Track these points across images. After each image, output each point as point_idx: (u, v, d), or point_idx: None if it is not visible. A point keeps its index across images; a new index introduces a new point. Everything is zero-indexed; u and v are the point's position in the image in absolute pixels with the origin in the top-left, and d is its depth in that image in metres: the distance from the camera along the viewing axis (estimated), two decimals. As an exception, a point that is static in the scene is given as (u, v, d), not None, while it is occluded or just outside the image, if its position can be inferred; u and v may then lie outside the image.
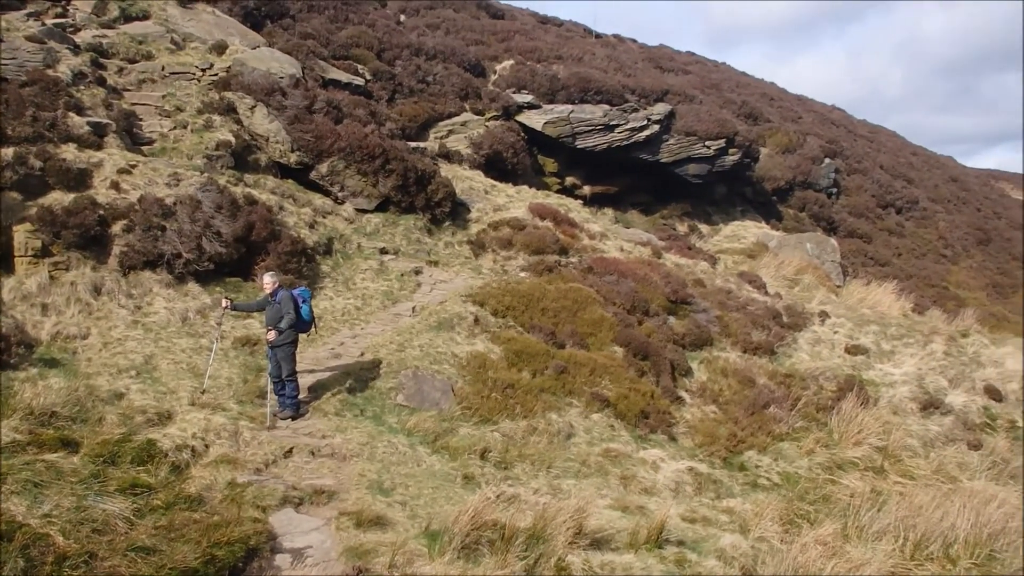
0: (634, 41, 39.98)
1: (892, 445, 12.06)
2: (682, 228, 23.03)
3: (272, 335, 9.18)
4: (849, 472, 11.25)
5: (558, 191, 21.84)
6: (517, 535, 7.01)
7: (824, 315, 16.28)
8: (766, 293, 16.80)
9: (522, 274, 13.35)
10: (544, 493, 8.55)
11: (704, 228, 23.66)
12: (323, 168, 15.25)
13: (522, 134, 22.18)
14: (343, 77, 19.46)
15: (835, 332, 15.56)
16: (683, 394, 12.02)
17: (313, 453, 8.45)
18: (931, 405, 13.43)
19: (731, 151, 24.93)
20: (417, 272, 13.83)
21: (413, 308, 12.40)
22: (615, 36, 39.48)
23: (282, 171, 15.30)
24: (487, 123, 21.04)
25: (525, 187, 19.07)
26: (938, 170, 40.42)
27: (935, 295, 21.94)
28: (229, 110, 15.54)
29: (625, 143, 23.42)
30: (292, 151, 15.22)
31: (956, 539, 9.74)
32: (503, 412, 9.76)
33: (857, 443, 11.87)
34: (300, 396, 9.50)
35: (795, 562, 8.38)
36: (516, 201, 16.77)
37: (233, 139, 14.76)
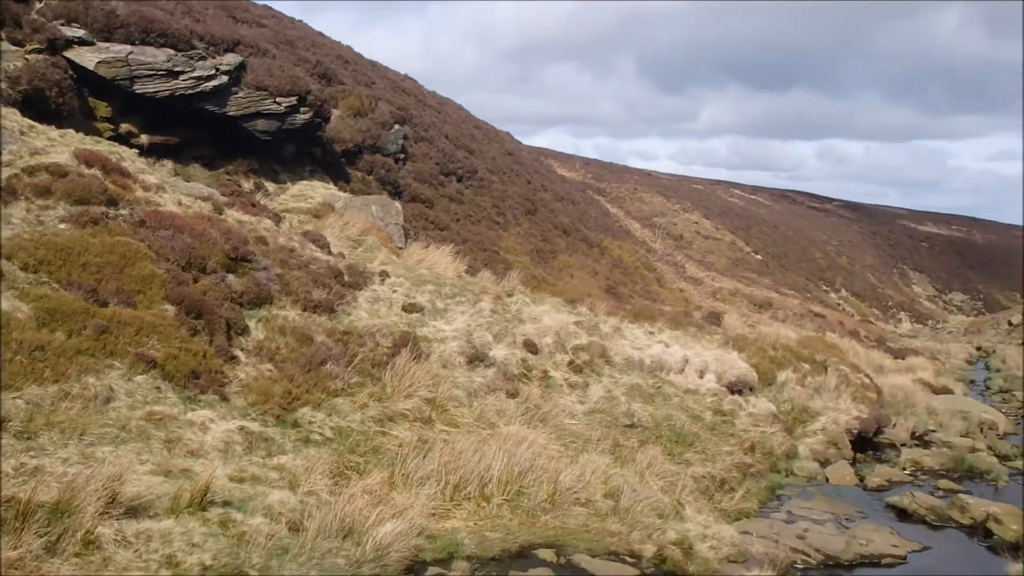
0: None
1: (440, 396, 12.82)
2: (248, 185, 22.55)
3: None
4: (400, 423, 11.78)
5: (111, 138, 20.25)
6: (36, 510, 6.47)
7: (385, 275, 16.84)
8: (329, 253, 17.00)
9: (61, 226, 12.24)
10: (75, 463, 7.94)
11: (271, 186, 23.37)
12: None
13: (71, 73, 20.22)
14: None
15: (394, 291, 16.16)
16: (238, 353, 11.80)
17: None
18: (477, 358, 14.46)
19: (303, 110, 24.79)
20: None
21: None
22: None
23: None
24: (27, 56, 18.92)
25: (72, 131, 17.45)
26: (497, 144, 43.45)
27: (487, 258, 23.69)
28: None
29: (190, 92, 22.32)
30: None
31: (491, 479, 10.57)
32: (29, 377, 8.91)
33: (408, 396, 12.44)
34: None
35: (342, 512, 8.59)
36: (60, 146, 15.30)
37: None
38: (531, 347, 15.96)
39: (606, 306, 20.68)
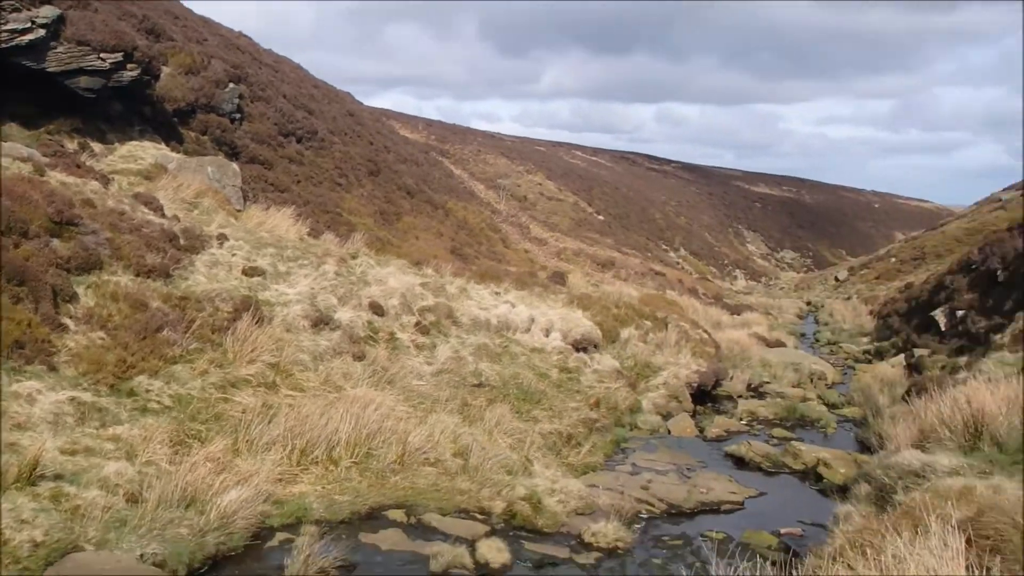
0: (17, -65, 35.62)
1: (284, 361, 12.53)
2: (72, 145, 21.26)
3: None
4: (243, 389, 11.45)
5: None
6: None
7: (223, 238, 16.26)
8: (163, 215, 16.27)
9: None
10: None
11: (98, 147, 22.11)
12: None
13: None
14: None
15: (233, 255, 15.64)
16: (67, 321, 11.16)
17: None
18: (322, 321, 14.19)
19: (130, 66, 23.48)
20: None
21: None
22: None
23: None
24: None
25: None
26: (337, 104, 42.52)
27: (329, 220, 23.23)
28: None
29: (4, 47, 20.78)
30: None
31: (339, 442, 10.44)
32: None
33: (251, 361, 12.10)
34: None
35: (184, 481, 8.32)
36: None
37: None
38: (377, 309, 15.78)
39: (452, 267, 20.67)
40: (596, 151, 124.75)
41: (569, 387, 16.59)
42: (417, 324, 16.12)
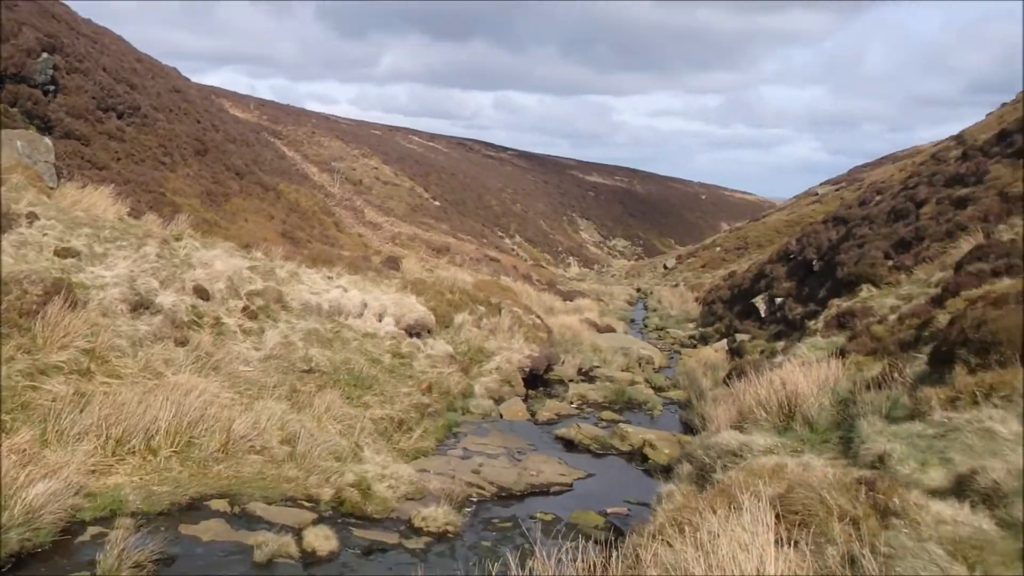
0: None
1: (100, 346, 11.87)
2: None
3: None
4: (54, 377, 10.78)
5: None
6: None
7: (33, 217, 15.28)
8: (-34, 191, 15.15)
9: None
10: None
11: None
12: None
13: None
14: None
15: (44, 234, 14.72)
16: None
17: None
18: (141, 305, 13.54)
19: (-73, 31, 21.78)
20: None
21: None
22: None
23: None
24: None
25: None
26: (163, 80, 40.71)
27: (152, 200, 22.18)
28: None
29: None
30: None
31: (159, 430, 10.00)
32: None
33: (64, 347, 11.42)
34: None
35: (-14, 476, 7.77)
36: None
37: None
38: (202, 293, 15.20)
39: (283, 251, 20.16)
40: (433, 137, 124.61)
41: (402, 372, 16.49)
42: (245, 309, 15.64)
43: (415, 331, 19.10)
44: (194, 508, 9.06)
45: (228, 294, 15.85)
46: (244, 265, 17.64)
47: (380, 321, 18.49)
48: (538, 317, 25.49)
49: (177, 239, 17.61)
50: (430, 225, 55.45)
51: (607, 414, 17.56)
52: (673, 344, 31.08)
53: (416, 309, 19.89)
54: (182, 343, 13.13)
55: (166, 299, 14.14)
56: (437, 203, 70.11)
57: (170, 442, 9.92)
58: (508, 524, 10.62)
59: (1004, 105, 35.54)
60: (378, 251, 31.98)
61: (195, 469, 9.78)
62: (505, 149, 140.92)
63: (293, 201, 33.14)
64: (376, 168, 69.42)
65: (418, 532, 9.78)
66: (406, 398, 14.98)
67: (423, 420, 14.38)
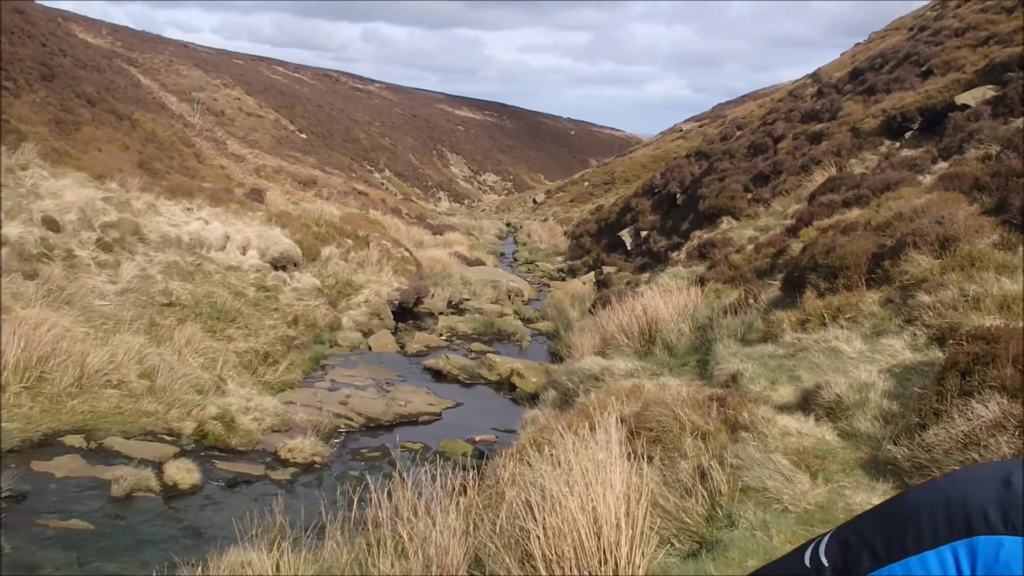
0: None
1: (-61, 280, 11.24)
2: None
3: None
4: None
5: None
6: None
7: None
8: None
9: None
10: None
11: None
12: None
13: None
14: None
15: None
16: None
17: None
18: (-15, 237, 12.84)
19: None
20: None
21: None
22: None
23: None
24: None
25: None
26: None
27: (-5, 127, 20.84)
28: None
29: None
30: None
31: (6, 365, 9.60)
32: None
33: (-103, 280, 10.76)
34: None
35: None
36: None
37: None
38: (52, 224, 14.50)
39: (139, 182, 19.31)
40: (299, 68, 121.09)
41: (267, 305, 16.19)
42: (99, 241, 15.00)
43: (281, 264, 18.74)
44: (47, 444, 8.74)
45: (81, 226, 15.16)
46: (98, 196, 16.87)
47: (244, 254, 18.05)
48: (407, 250, 25.36)
49: (23, 168, 16.67)
50: (296, 158, 54.11)
51: (476, 345, 17.70)
52: (542, 277, 31.44)
53: (281, 242, 19.48)
54: (31, 276, 12.52)
55: (13, 231, 13.45)
56: (304, 136, 68.42)
57: (19, 378, 9.51)
58: (377, 454, 10.66)
59: (857, 45, 36.97)
60: (241, 183, 31.05)
61: (47, 405, 9.41)
62: (373, 81, 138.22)
63: (150, 131, 31.75)
64: (239, 99, 67.08)
65: (284, 463, 9.72)
66: (272, 331, 14.74)
67: (289, 353, 14.20)
